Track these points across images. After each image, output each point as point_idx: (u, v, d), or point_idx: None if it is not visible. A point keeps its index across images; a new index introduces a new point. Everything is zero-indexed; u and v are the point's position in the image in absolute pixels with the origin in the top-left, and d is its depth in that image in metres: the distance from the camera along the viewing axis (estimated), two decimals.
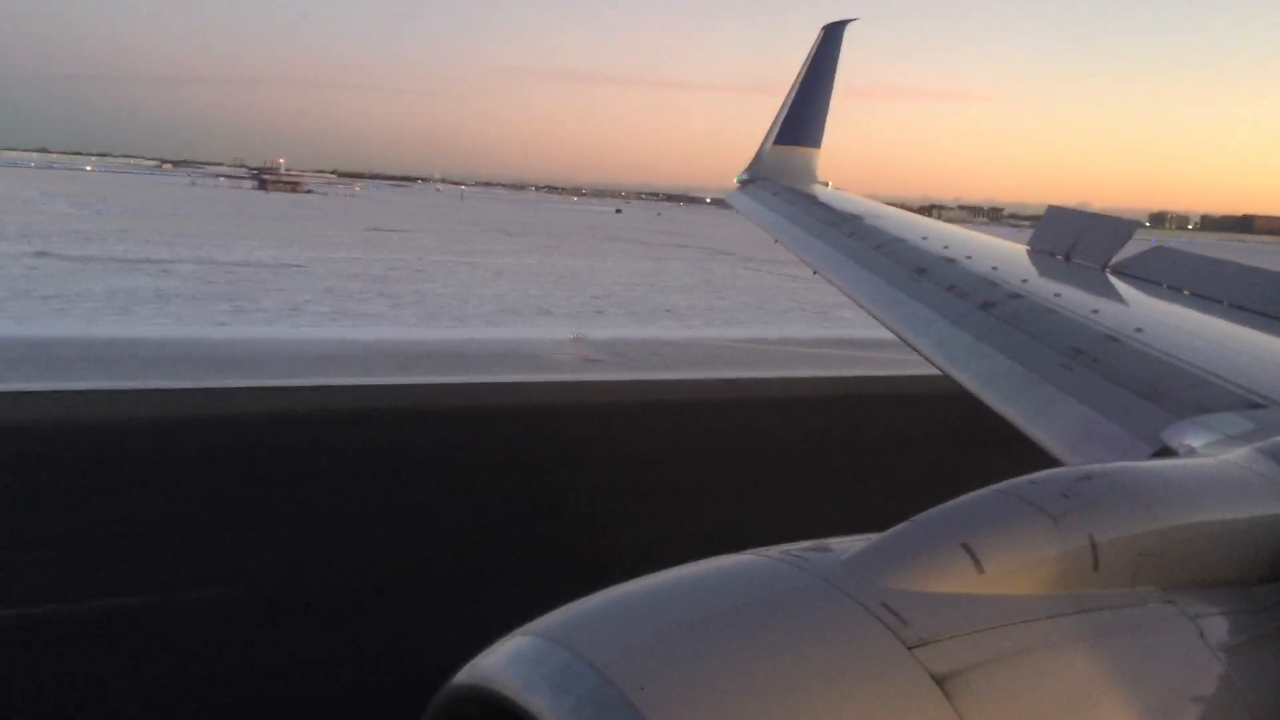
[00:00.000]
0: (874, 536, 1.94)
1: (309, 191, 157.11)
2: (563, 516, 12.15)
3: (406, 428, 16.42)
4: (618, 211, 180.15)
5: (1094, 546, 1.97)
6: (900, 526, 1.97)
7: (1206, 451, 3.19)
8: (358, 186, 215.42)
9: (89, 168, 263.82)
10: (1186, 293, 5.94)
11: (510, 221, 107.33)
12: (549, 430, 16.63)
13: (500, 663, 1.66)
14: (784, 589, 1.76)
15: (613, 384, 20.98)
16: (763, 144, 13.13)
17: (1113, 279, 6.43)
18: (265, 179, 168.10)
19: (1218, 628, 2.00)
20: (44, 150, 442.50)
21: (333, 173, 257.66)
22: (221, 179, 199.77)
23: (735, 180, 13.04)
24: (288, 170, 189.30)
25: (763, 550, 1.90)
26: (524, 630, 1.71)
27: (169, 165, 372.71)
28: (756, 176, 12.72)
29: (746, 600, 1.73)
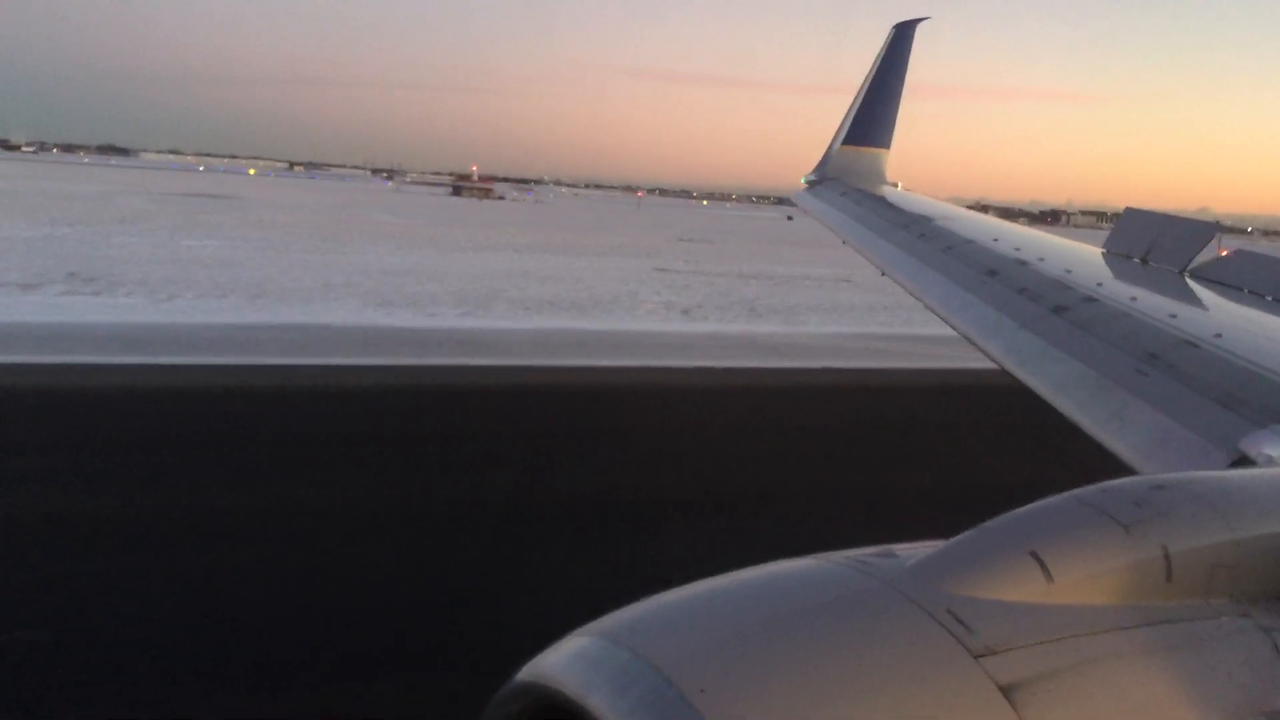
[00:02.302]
0: (940, 542, 1.92)
1: (500, 198, 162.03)
2: None
3: None
4: (789, 219, 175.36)
5: (1167, 557, 1.91)
6: (967, 533, 1.94)
7: None
8: (512, 191, 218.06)
9: (252, 171, 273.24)
10: (1269, 298, 5.76)
11: (742, 231, 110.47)
12: None
13: (560, 662, 1.67)
14: (847, 594, 1.74)
15: None
16: (831, 144, 13.00)
17: (1191, 283, 6.25)
18: (460, 185, 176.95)
19: None
20: (176, 152, 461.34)
21: (450, 174, 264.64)
22: (383, 181, 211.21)
23: (802, 181, 12.92)
24: (480, 178, 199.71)
25: (826, 555, 1.89)
26: (585, 630, 1.72)
27: (300, 168, 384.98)
28: (824, 177, 12.58)
29: (809, 605, 1.71)
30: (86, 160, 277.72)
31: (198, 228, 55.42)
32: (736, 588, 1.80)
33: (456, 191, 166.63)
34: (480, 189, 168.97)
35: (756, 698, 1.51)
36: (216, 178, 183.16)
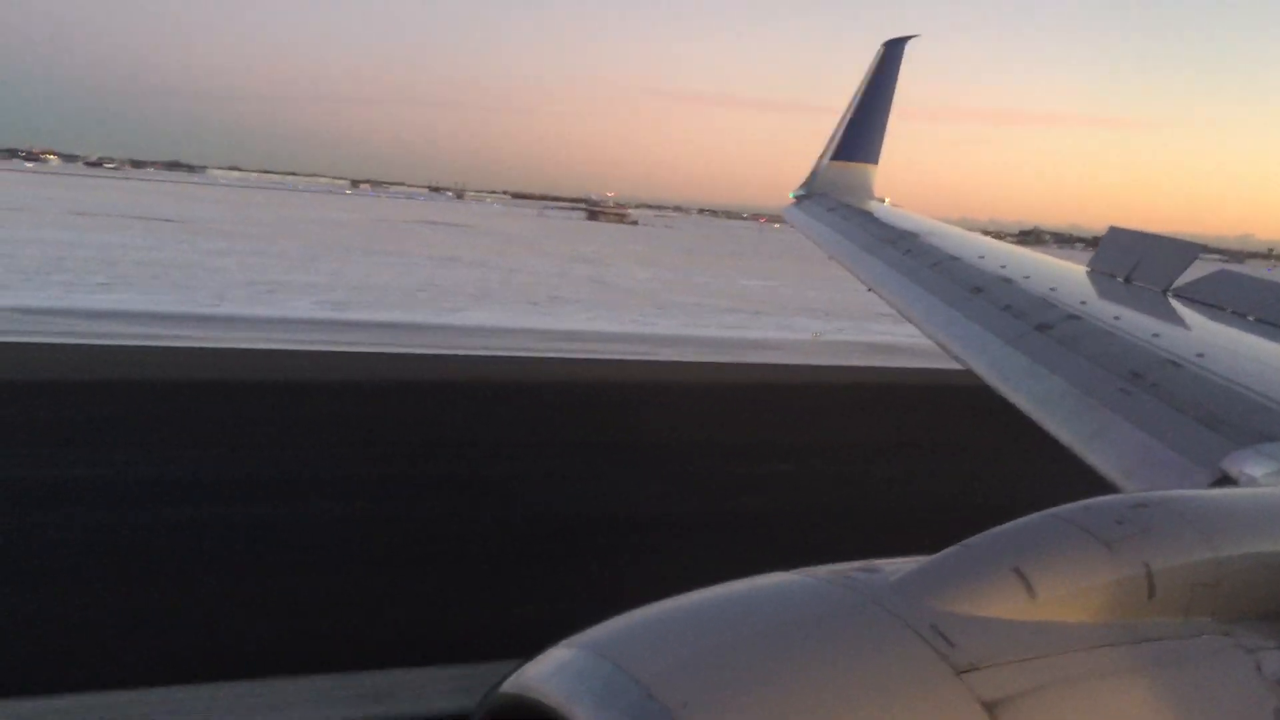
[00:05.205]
0: (924, 558, 1.91)
1: (635, 223, 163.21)
2: None
3: None
4: None
5: (1149, 575, 1.91)
6: (951, 549, 1.94)
7: (1267, 481, 3.12)
8: (630, 212, 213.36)
9: (349, 192, 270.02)
10: (1251, 318, 5.80)
11: None
12: None
13: (545, 673, 1.66)
14: (831, 609, 1.73)
15: None
16: (820, 159, 13.09)
17: (1174, 303, 6.29)
18: (595, 210, 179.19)
19: (1275, 661, 1.93)
20: (238, 169, 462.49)
21: (504, 193, 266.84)
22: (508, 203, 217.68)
23: (791, 195, 12.99)
24: (616, 204, 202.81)
25: (810, 570, 1.88)
26: (569, 642, 1.71)
27: (367, 185, 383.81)
28: (813, 192, 12.66)
29: (793, 620, 1.71)
30: (197, 179, 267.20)
31: (668, 265, 63.55)
32: (720, 602, 1.79)
33: (593, 216, 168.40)
34: (616, 214, 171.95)
35: (739, 713, 1.50)
36: (368, 201, 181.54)
